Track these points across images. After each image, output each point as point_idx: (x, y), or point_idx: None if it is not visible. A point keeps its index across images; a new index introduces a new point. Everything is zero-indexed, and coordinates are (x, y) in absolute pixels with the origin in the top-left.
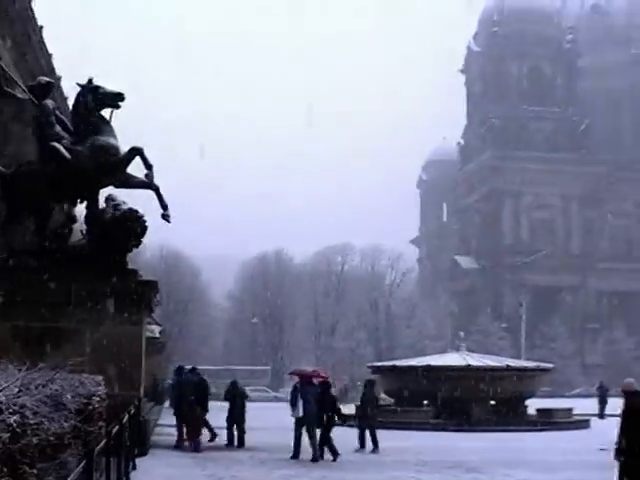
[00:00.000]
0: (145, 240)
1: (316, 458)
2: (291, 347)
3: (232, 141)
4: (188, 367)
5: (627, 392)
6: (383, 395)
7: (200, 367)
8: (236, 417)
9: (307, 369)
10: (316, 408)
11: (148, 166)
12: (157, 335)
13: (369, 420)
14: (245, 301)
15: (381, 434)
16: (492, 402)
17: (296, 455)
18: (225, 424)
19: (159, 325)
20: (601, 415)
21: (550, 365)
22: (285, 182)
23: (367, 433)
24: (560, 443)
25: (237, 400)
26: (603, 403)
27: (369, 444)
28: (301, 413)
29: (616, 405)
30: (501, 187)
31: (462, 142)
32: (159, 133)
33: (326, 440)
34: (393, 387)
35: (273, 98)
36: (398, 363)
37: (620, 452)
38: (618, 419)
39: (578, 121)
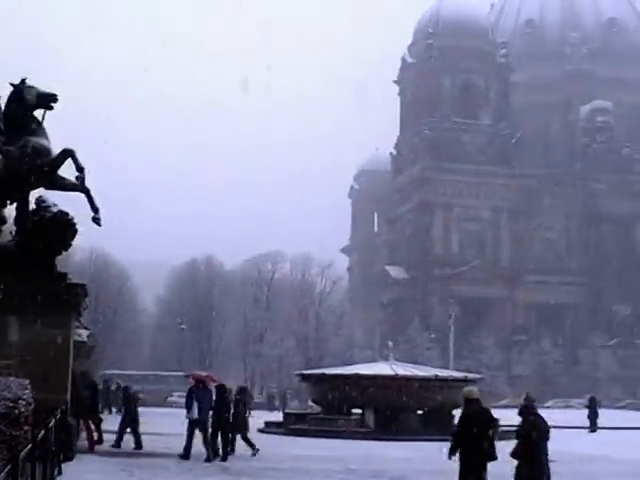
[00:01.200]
0: (75, 243)
1: (209, 459)
2: (219, 354)
3: (163, 148)
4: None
5: (467, 399)
6: (311, 403)
7: (127, 372)
8: (129, 421)
9: (201, 373)
10: (211, 411)
11: (79, 168)
12: (85, 339)
13: (240, 426)
14: (174, 307)
15: (309, 442)
16: (420, 411)
17: (186, 455)
18: (121, 427)
19: (87, 329)
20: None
21: (478, 376)
22: (217, 188)
23: (238, 439)
24: None
25: (131, 405)
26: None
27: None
28: (196, 415)
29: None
30: (432, 198)
31: (394, 153)
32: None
33: (224, 442)
34: (321, 396)
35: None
36: (326, 371)
37: (451, 451)
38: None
39: (510, 135)
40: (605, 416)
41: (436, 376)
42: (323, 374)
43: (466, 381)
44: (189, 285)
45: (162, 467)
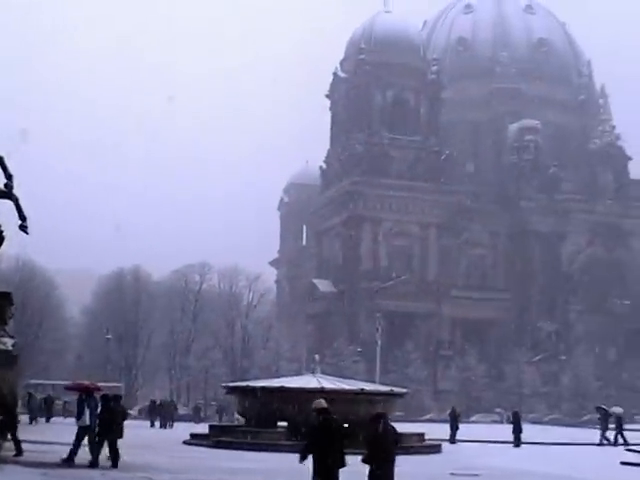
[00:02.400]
0: (0, 250)
1: (94, 464)
2: (145, 364)
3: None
4: None
5: (316, 410)
6: (237, 415)
7: (52, 382)
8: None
9: (86, 382)
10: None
11: (8, 176)
12: (10, 348)
13: (114, 434)
14: (101, 316)
15: (234, 455)
16: (345, 425)
17: (71, 459)
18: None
19: (12, 338)
20: (452, 440)
21: (403, 390)
22: (145, 198)
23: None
24: (412, 467)
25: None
26: (454, 428)
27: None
28: (87, 422)
29: (468, 431)
30: (361, 213)
31: (324, 166)
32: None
33: (113, 449)
34: (247, 408)
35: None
36: (252, 384)
37: (302, 458)
38: (468, 444)
39: (439, 151)
40: (529, 431)
41: (362, 390)
42: (249, 386)
43: (392, 395)
44: (116, 295)
45: (87, 478)
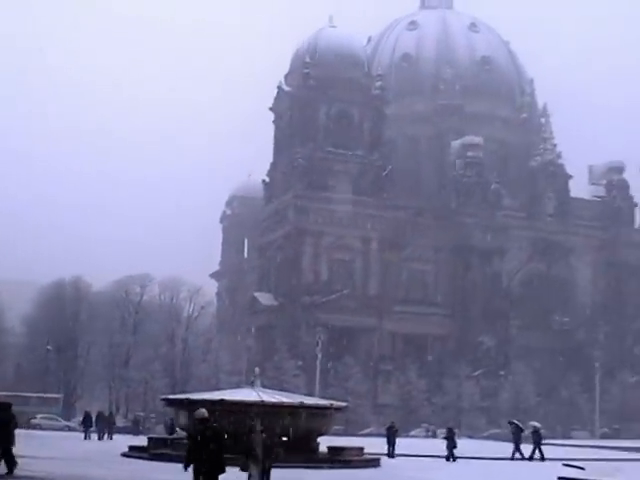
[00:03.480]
0: None
1: None
2: (85, 376)
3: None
4: None
5: (198, 419)
6: (176, 428)
7: None
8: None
9: None
10: None
11: None
12: None
13: (5, 443)
14: (40, 327)
15: (172, 467)
16: (285, 438)
17: None
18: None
19: None
20: (391, 455)
21: (343, 404)
22: (87, 208)
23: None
24: None
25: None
26: (392, 443)
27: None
28: None
29: (407, 445)
30: (303, 226)
31: (267, 180)
32: None
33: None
34: (187, 421)
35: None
36: (191, 396)
37: (186, 465)
38: (407, 459)
39: (382, 166)
40: (467, 446)
41: (302, 403)
42: (188, 399)
43: (332, 409)
44: (56, 305)
45: None
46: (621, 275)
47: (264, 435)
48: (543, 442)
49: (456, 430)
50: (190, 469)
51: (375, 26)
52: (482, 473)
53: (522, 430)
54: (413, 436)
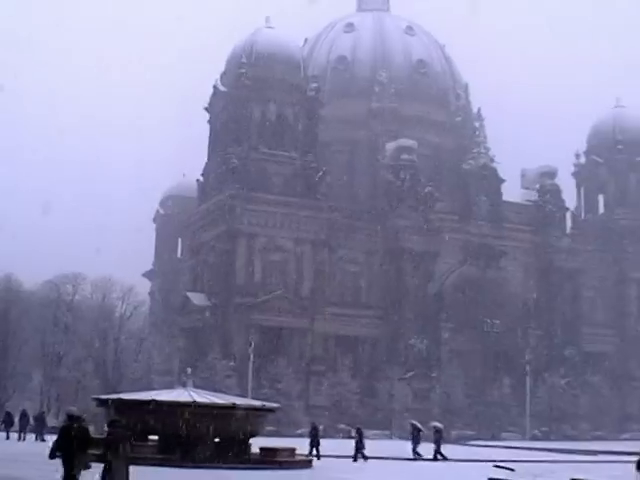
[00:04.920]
0: None
1: None
2: (16, 375)
3: None
4: None
5: (68, 416)
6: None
7: None
8: None
9: None
10: None
11: None
12: None
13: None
14: None
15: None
16: (217, 439)
17: None
18: None
19: None
20: (316, 455)
21: (275, 405)
22: (17, 203)
23: None
24: None
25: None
26: (315, 444)
27: None
28: None
29: (339, 446)
30: (236, 227)
31: (201, 179)
32: None
33: None
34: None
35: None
36: (123, 397)
37: (51, 455)
38: (339, 460)
39: (316, 168)
40: (398, 446)
41: (234, 404)
42: (120, 399)
43: (264, 410)
44: None
45: None
46: (552, 279)
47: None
48: (471, 443)
49: (391, 431)
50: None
51: (312, 28)
52: (415, 473)
53: (420, 430)
54: (345, 438)
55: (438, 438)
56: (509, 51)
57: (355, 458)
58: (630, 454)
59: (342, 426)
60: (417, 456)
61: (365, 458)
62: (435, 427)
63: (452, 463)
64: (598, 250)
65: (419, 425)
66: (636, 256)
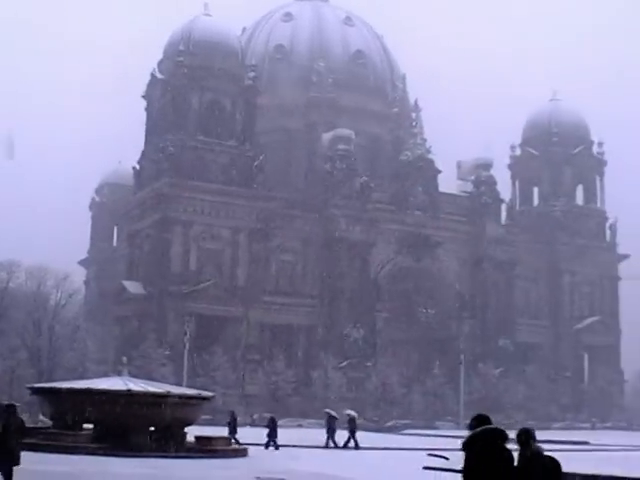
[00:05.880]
0: None
1: None
2: None
3: None
4: None
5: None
6: (42, 417)
7: None
8: None
9: None
10: None
11: None
12: None
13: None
14: None
15: (37, 457)
16: (152, 428)
17: None
18: None
19: None
20: (273, 445)
21: (211, 393)
22: None
23: None
24: (218, 471)
25: None
26: (233, 432)
27: None
28: None
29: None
30: (172, 215)
31: (138, 167)
32: None
33: None
34: (52, 410)
35: None
36: (58, 385)
37: None
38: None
39: (253, 157)
40: (336, 436)
41: (169, 392)
42: (54, 388)
43: (199, 398)
44: None
45: None
46: (486, 269)
47: None
48: (406, 432)
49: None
50: None
51: (250, 16)
52: (349, 462)
53: (335, 419)
54: (281, 426)
55: (352, 427)
56: (447, 43)
57: (267, 446)
58: (562, 443)
59: (255, 416)
60: (332, 444)
61: (276, 447)
62: (349, 415)
63: (389, 452)
64: (532, 241)
65: (334, 413)
66: (570, 247)
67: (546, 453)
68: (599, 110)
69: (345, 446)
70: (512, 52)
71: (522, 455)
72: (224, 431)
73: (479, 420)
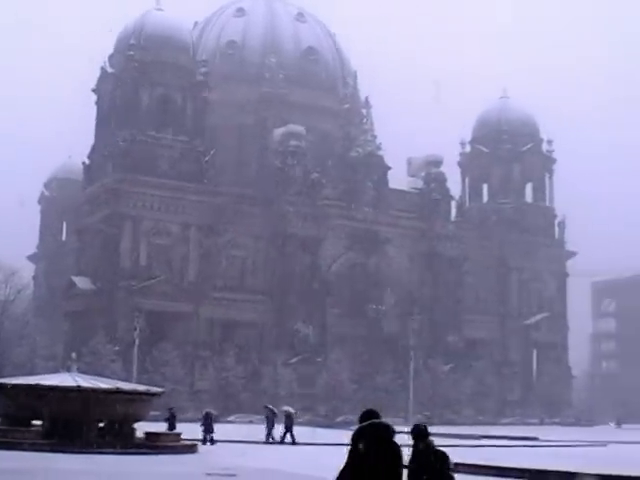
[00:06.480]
0: None
1: None
2: None
3: None
4: None
5: None
6: None
7: None
8: None
9: None
10: None
11: None
12: None
13: None
14: None
15: None
16: (101, 424)
17: None
18: None
19: None
20: (209, 441)
21: (160, 389)
22: None
23: None
24: (167, 467)
25: None
26: (172, 427)
27: None
28: None
29: (225, 431)
30: (122, 210)
31: (87, 162)
32: None
33: None
34: (1, 406)
35: None
36: (6, 381)
37: None
38: (224, 444)
39: (204, 152)
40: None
41: (118, 389)
42: (2, 384)
43: (148, 394)
44: None
45: None
46: (436, 266)
47: None
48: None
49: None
50: None
51: (202, 11)
52: (296, 457)
53: (275, 414)
54: (231, 422)
55: (289, 423)
56: (399, 41)
57: (204, 442)
58: (512, 438)
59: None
60: (272, 439)
61: (212, 442)
62: (286, 412)
63: (331, 447)
64: (482, 238)
65: (273, 408)
66: (519, 244)
67: (438, 447)
68: (549, 108)
69: (282, 441)
70: (463, 50)
71: (415, 448)
72: (178, 427)
73: (368, 415)
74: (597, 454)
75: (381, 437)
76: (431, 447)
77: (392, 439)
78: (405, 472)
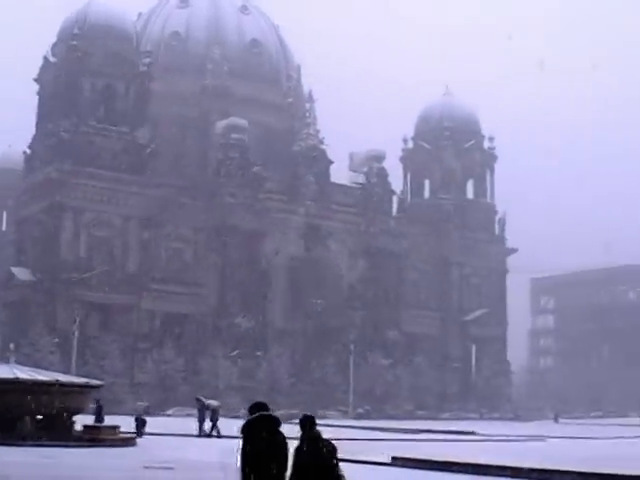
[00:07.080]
0: None
1: None
2: None
3: None
4: None
5: None
6: None
7: None
8: None
9: None
10: None
11: None
12: None
13: None
14: None
15: None
16: (40, 417)
17: None
18: None
19: None
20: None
21: (99, 382)
22: None
23: None
24: (106, 460)
25: None
26: (100, 421)
27: None
28: None
29: (163, 424)
30: (63, 201)
31: (28, 151)
32: None
33: None
34: None
35: None
36: None
37: None
38: (162, 437)
39: (146, 144)
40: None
41: (57, 381)
42: None
43: (87, 387)
44: None
45: None
46: (377, 260)
47: None
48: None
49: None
50: None
51: (147, 2)
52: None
53: (207, 407)
54: (170, 415)
55: (214, 417)
56: (343, 36)
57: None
58: (450, 433)
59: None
60: (203, 432)
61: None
62: (210, 406)
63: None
64: (422, 233)
65: (205, 400)
66: (459, 240)
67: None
68: (490, 106)
69: (209, 435)
70: (407, 46)
71: (302, 438)
72: (113, 420)
73: (256, 407)
74: (535, 448)
75: (269, 428)
76: (319, 437)
77: (279, 429)
78: (291, 461)
